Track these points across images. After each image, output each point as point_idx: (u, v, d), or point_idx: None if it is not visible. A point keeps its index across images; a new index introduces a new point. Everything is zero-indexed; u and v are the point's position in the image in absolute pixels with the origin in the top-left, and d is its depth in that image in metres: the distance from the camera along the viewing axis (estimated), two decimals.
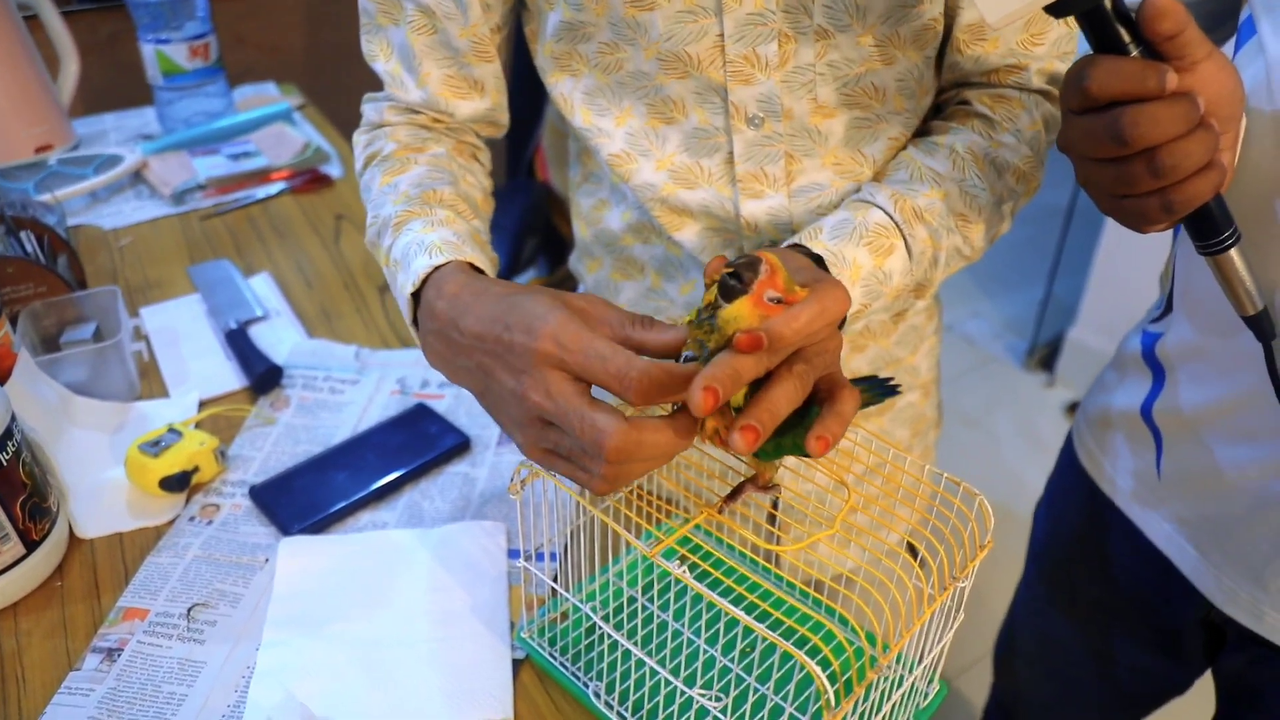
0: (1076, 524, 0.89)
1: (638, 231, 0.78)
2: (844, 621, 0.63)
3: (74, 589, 0.70)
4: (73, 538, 0.74)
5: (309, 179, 1.31)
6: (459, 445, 0.82)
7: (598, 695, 0.59)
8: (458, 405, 0.88)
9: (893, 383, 0.58)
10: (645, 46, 0.64)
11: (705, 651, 0.62)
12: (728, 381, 0.43)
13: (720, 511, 0.53)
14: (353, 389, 0.90)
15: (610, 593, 0.67)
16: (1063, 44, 0.67)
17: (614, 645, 0.62)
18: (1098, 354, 2.24)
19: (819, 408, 0.47)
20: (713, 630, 0.64)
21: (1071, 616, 0.92)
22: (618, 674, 0.61)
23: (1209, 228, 0.49)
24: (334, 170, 1.34)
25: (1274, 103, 0.56)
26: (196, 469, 0.77)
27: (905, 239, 0.61)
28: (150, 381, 0.92)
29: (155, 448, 0.76)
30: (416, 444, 0.82)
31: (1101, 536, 0.85)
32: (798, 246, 0.60)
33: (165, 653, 0.64)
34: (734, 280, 0.45)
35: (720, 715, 0.52)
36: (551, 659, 0.62)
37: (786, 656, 0.60)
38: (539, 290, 0.51)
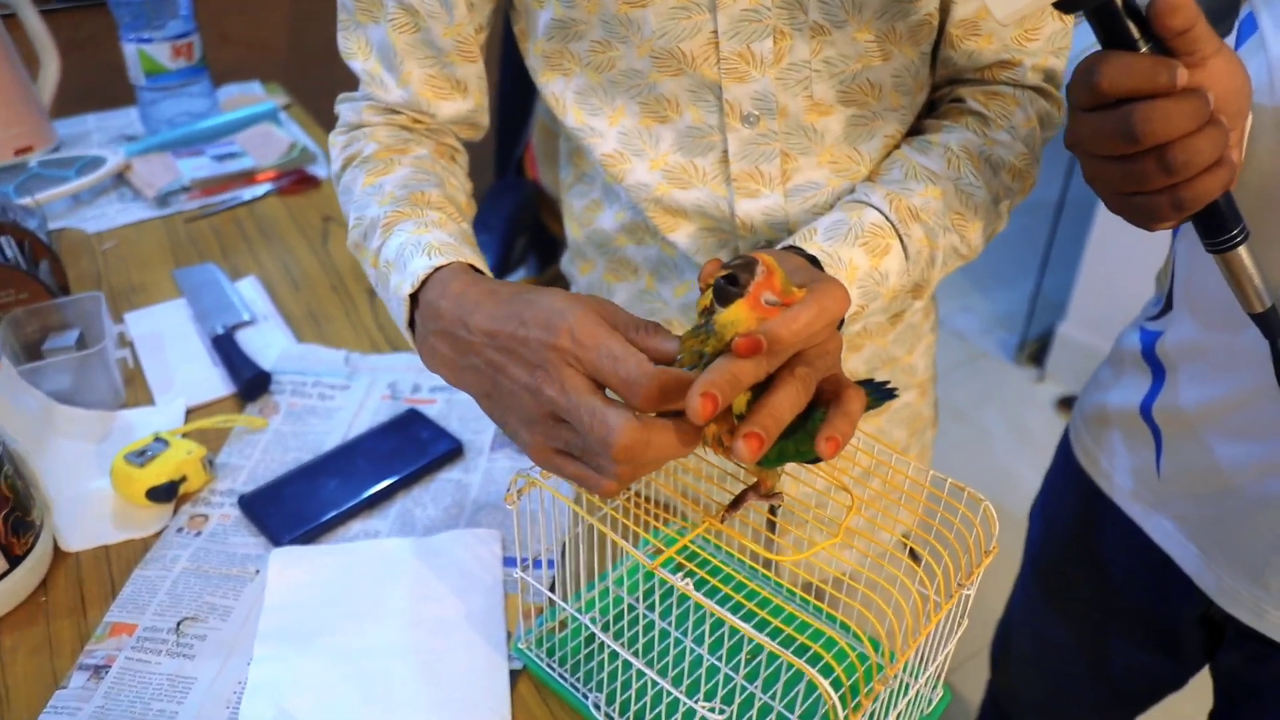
0: (1073, 523, 0.88)
1: (631, 232, 0.77)
2: (845, 628, 0.62)
3: (59, 604, 0.68)
4: (57, 551, 0.72)
5: (295, 180, 1.29)
6: (451, 451, 0.81)
7: (598, 707, 0.58)
8: (450, 410, 0.87)
9: (889, 386, 0.57)
10: (638, 44, 0.63)
11: (707, 661, 0.62)
12: (726, 387, 0.43)
13: (722, 521, 0.52)
14: (343, 394, 0.89)
15: (610, 600, 0.66)
16: (1057, 40, 0.66)
17: (614, 655, 0.61)
18: (1088, 349, 2.25)
19: (822, 411, 0.46)
20: (714, 638, 0.63)
21: (1068, 616, 0.92)
22: (618, 684, 0.60)
23: (1218, 225, 0.48)
24: (321, 171, 1.33)
25: (1276, 99, 0.56)
26: (184, 478, 0.76)
27: (901, 239, 0.60)
28: (135, 389, 0.90)
29: (141, 457, 0.74)
30: (408, 450, 0.80)
31: (1098, 535, 0.84)
32: (792, 248, 0.59)
33: (154, 669, 0.63)
34: (729, 283, 0.44)
35: None
36: (550, 670, 0.61)
37: (790, 665, 0.59)
38: (553, 289, 0.51)
